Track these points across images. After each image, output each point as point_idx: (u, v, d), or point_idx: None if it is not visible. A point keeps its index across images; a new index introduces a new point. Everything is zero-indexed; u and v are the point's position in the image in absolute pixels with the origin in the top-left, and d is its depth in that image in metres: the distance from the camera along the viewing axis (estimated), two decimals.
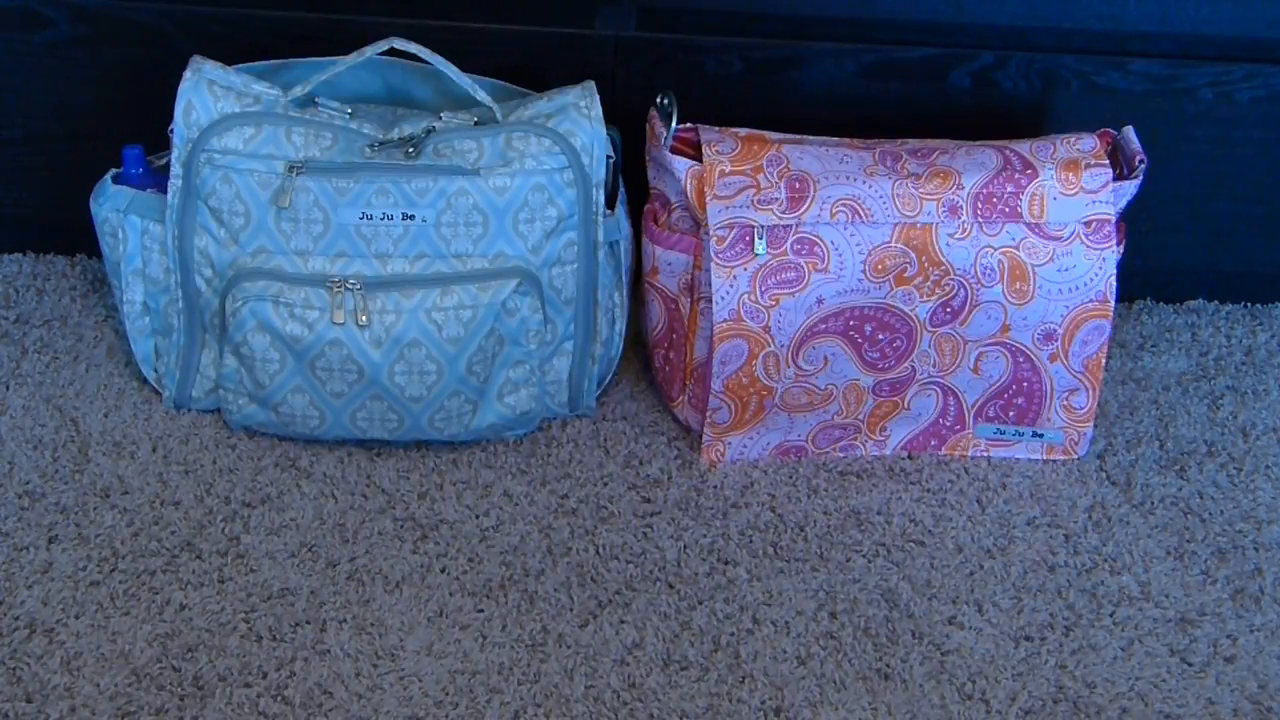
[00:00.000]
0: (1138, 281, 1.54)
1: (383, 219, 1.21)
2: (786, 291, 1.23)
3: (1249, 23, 1.38)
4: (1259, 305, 1.57)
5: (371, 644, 1.12)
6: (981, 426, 1.33)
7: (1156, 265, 1.52)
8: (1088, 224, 1.24)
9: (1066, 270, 1.25)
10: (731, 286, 1.22)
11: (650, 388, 1.38)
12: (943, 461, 1.33)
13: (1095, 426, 1.36)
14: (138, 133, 1.31)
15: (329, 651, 1.11)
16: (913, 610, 1.18)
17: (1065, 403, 1.31)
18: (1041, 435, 1.33)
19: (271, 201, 1.21)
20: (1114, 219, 1.25)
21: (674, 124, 1.24)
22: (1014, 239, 1.24)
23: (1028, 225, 1.24)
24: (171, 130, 1.22)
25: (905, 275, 1.23)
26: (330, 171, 1.21)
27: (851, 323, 1.25)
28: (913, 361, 1.28)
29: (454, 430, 1.26)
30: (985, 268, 1.24)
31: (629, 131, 1.31)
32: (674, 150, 1.25)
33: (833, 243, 1.22)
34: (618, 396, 1.37)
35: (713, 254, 1.22)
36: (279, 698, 1.08)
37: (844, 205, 1.22)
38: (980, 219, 1.23)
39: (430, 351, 1.21)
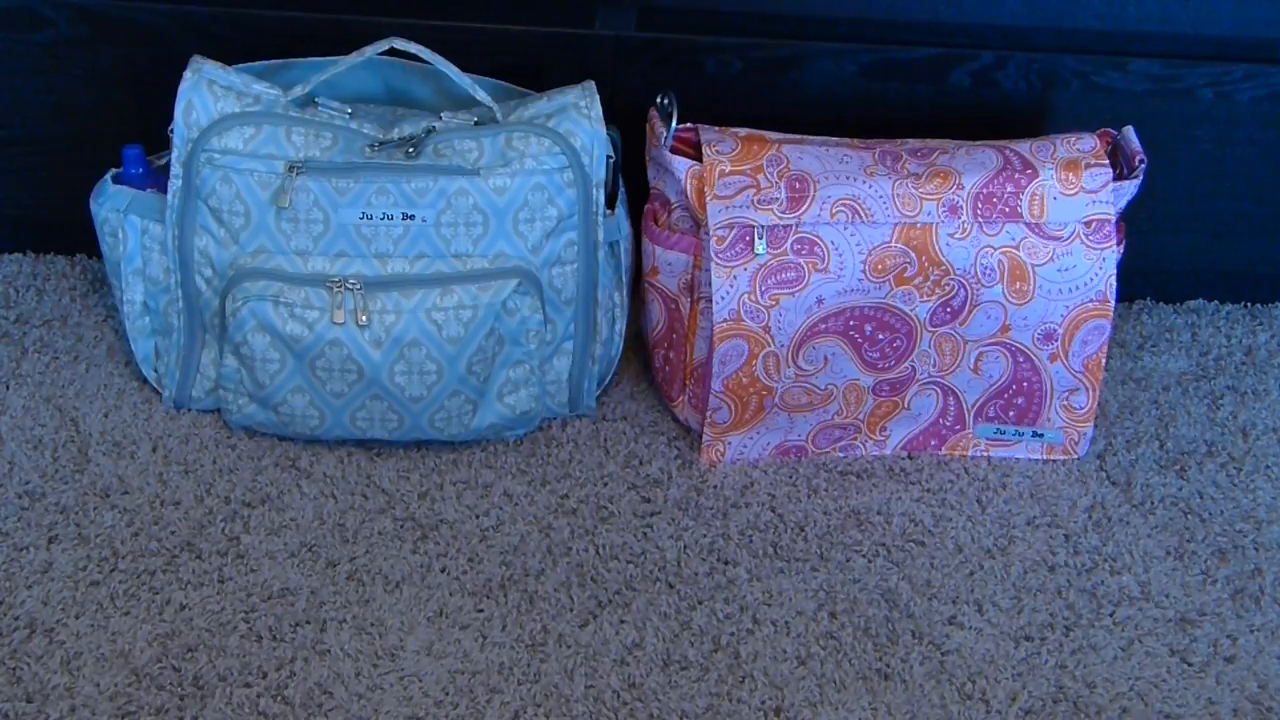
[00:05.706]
0: (1138, 281, 1.54)
1: (383, 219, 1.21)
2: (786, 291, 1.23)
3: (1249, 23, 1.38)
4: (1259, 305, 1.57)
5: (371, 644, 1.12)
6: (981, 426, 1.33)
7: (1156, 265, 1.53)
8: (1088, 224, 1.24)
9: (1066, 270, 1.25)
10: (731, 286, 1.22)
11: (650, 388, 1.38)
12: (943, 461, 1.33)
13: (1095, 426, 1.36)
14: (138, 133, 1.31)
15: (329, 651, 1.11)
16: (913, 610, 1.18)
17: (1065, 403, 1.31)
18: (1041, 435, 1.33)
19: (271, 201, 1.21)
20: (1114, 219, 1.25)
21: (674, 124, 1.24)
22: (1014, 239, 1.24)
23: (1028, 225, 1.24)
24: (171, 130, 1.22)
25: (905, 275, 1.23)
26: (330, 171, 1.21)
27: (851, 323, 1.25)
28: (913, 361, 1.28)
29: (454, 430, 1.26)
30: (985, 267, 1.24)
31: (629, 131, 1.31)
32: (674, 150, 1.25)
33: (833, 243, 1.22)
34: (618, 396, 1.37)
35: (713, 254, 1.22)
36: (279, 698, 1.08)
37: (844, 205, 1.22)
38: (980, 219, 1.23)
39: (430, 351, 1.21)
